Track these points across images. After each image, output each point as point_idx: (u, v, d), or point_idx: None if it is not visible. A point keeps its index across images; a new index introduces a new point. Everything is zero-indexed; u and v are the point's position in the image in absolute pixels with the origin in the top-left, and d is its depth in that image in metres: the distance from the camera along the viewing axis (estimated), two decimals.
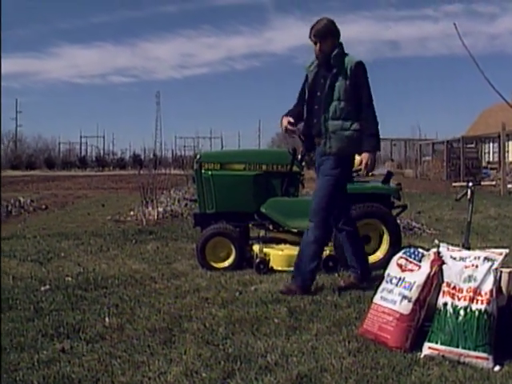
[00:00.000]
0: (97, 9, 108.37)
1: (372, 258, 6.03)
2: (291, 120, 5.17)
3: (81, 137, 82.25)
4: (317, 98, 5.11)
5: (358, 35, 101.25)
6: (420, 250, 3.82)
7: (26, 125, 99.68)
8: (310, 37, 5.08)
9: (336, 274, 5.64)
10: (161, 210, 11.37)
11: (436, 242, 3.86)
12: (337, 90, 4.98)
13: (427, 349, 3.43)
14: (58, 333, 3.82)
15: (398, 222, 6.53)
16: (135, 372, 3.17)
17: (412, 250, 3.83)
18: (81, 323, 4.04)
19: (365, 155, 5.04)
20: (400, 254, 3.88)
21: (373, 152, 5.06)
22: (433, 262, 3.67)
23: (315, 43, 5.05)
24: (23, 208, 13.65)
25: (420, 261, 3.73)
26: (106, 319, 4.12)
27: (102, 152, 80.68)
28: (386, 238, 6.08)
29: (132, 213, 11.53)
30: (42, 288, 5.06)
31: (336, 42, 5.08)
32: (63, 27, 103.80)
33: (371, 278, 5.45)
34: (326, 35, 5.03)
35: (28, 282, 5.31)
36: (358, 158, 5.11)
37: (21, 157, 70.95)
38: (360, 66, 5.02)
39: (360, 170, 6.31)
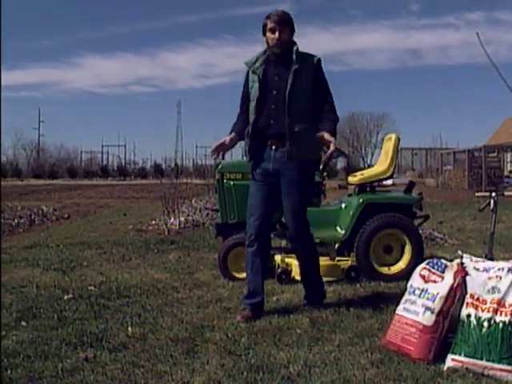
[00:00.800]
0: (118, 19, 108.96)
1: (394, 269, 6.02)
2: (231, 137, 4.76)
3: (102, 146, 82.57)
4: (272, 97, 4.60)
5: (379, 44, 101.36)
6: (443, 261, 3.80)
7: (49, 134, 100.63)
8: (265, 25, 4.65)
9: (358, 285, 5.62)
10: (182, 219, 11.41)
11: (459, 252, 3.84)
12: (301, 89, 4.56)
13: (451, 361, 3.40)
14: (82, 342, 3.85)
15: (420, 232, 6.48)
16: (158, 382, 3.18)
17: (435, 261, 3.81)
18: (104, 332, 4.06)
19: (327, 134, 4.53)
20: (423, 264, 3.85)
21: (333, 134, 4.57)
22: (456, 273, 3.65)
23: (273, 31, 4.59)
24: (46, 217, 13.75)
25: (443, 272, 3.71)
26: (129, 328, 4.14)
27: (123, 161, 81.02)
28: (408, 249, 6.04)
29: (154, 222, 11.57)
30: (66, 297, 5.10)
31: (292, 36, 4.72)
32: (85, 37, 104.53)
33: (394, 288, 5.44)
34: (286, 24, 4.65)
35: (51, 291, 5.35)
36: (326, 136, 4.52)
37: (43, 166, 71.47)
38: (321, 63, 4.73)
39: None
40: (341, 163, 55.02)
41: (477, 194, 6.43)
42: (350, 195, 6.56)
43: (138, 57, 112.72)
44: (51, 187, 35.31)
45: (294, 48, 4.64)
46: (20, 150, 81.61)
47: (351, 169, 39.34)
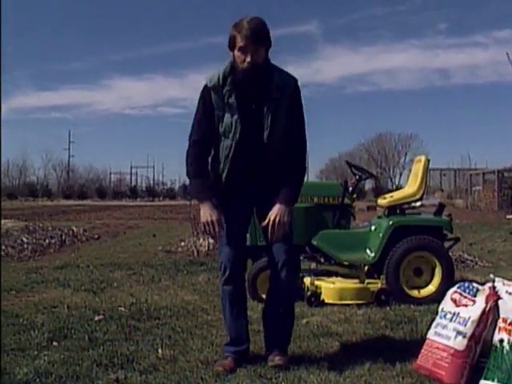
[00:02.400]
0: (147, 41, 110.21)
1: (424, 292, 5.98)
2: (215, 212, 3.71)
3: (131, 167, 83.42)
4: (252, 136, 3.69)
5: (406, 64, 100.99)
6: (475, 285, 3.76)
7: (78, 155, 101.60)
8: (234, 38, 3.62)
9: (388, 308, 5.59)
10: (211, 241, 11.43)
11: (491, 276, 3.80)
12: (281, 123, 3.70)
13: None
14: (112, 363, 3.86)
15: (450, 254, 6.43)
16: None
17: (466, 285, 3.77)
18: (134, 354, 4.07)
19: (278, 209, 3.68)
20: (454, 288, 3.82)
21: (290, 205, 3.75)
22: (488, 297, 3.61)
23: (245, 51, 3.58)
24: (76, 237, 13.89)
25: (475, 295, 3.67)
26: (159, 350, 4.15)
27: (151, 182, 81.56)
28: (438, 271, 6.00)
29: (183, 243, 11.62)
30: (96, 318, 5.13)
31: (268, 52, 3.73)
32: (115, 59, 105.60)
33: (424, 311, 5.39)
34: (263, 42, 3.64)
35: (82, 312, 5.39)
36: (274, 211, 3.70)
37: (73, 186, 72.29)
38: (299, 87, 3.83)
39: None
40: (369, 184, 54.86)
41: (508, 217, 6.36)
42: (379, 217, 6.54)
43: (168, 78, 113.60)
44: (81, 208, 35.66)
45: (275, 67, 3.76)
46: (50, 171, 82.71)
47: (379, 190, 39.23)
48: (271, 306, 3.95)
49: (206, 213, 3.69)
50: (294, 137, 3.78)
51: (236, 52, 3.63)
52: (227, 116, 3.69)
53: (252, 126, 3.69)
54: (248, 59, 3.57)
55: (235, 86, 3.68)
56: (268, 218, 3.67)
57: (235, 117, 3.67)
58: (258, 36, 3.59)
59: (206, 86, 3.74)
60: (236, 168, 3.75)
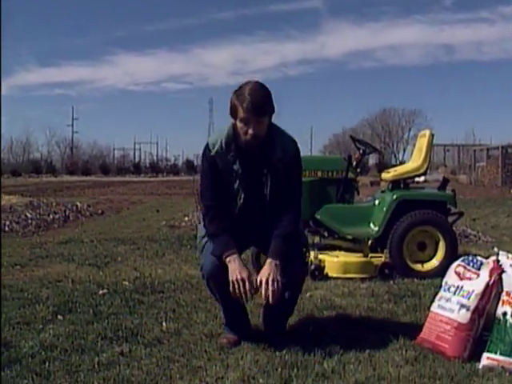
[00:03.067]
0: (151, 17, 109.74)
1: (428, 266, 5.99)
2: (248, 275, 3.50)
3: (135, 143, 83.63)
4: (251, 196, 3.68)
5: (412, 39, 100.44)
6: (479, 258, 3.75)
7: (82, 131, 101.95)
8: (235, 109, 3.53)
9: (391, 282, 5.60)
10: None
11: (495, 249, 3.80)
12: (279, 179, 3.64)
13: (486, 359, 3.36)
14: (117, 336, 3.88)
15: (454, 229, 6.42)
16: (193, 377, 3.19)
17: (470, 258, 3.77)
18: (139, 327, 4.09)
19: (270, 267, 3.50)
20: (458, 261, 3.82)
21: (281, 259, 3.54)
22: (492, 270, 3.60)
23: (247, 123, 3.49)
24: (80, 213, 13.92)
25: (479, 269, 3.66)
26: (164, 324, 4.17)
27: (155, 158, 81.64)
28: (441, 246, 6.00)
29: (186, 218, 11.64)
30: (101, 292, 5.15)
31: (271, 120, 3.63)
32: (118, 35, 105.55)
33: (427, 285, 5.40)
34: (265, 113, 3.54)
35: (87, 286, 5.41)
36: None
37: (77, 163, 72.43)
38: (299, 154, 3.78)
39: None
40: (373, 160, 54.79)
41: None
42: (383, 192, 6.53)
43: (172, 54, 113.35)
44: (85, 184, 35.70)
45: (277, 137, 3.67)
46: (54, 147, 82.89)
47: (383, 165, 39.14)
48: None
49: (236, 270, 3.46)
50: (291, 190, 3.71)
51: (238, 123, 3.55)
52: (234, 182, 3.66)
53: (254, 190, 3.66)
54: (250, 131, 3.49)
55: (239, 153, 3.62)
56: (260, 278, 3.48)
57: (241, 184, 3.65)
58: (261, 108, 3.49)
59: (209, 153, 3.66)
60: (238, 219, 3.71)
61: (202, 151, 3.76)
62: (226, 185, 3.67)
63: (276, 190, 3.65)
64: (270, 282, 3.44)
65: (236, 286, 3.45)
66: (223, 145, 3.62)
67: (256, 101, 3.45)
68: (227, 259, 3.49)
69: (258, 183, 3.66)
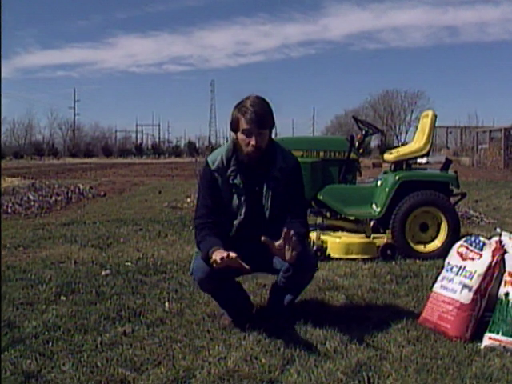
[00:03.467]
0: None
1: (430, 247, 6.00)
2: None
3: (137, 125, 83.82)
4: (252, 210, 3.65)
5: (415, 21, 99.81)
6: (481, 239, 3.75)
7: (84, 114, 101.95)
8: (237, 121, 3.55)
9: (393, 263, 5.61)
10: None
11: (498, 230, 3.80)
12: (279, 193, 3.64)
13: (488, 339, 3.37)
14: (120, 316, 3.90)
15: (456, 210, 6.42)
16: (195, 356, 3.20)
17: (473, 239, 3.77)
18: (141, 307, 4.11)
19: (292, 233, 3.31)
20: (461, 242, 3.82)
21: (302, 241, 3.53)
22: (494, 250, 3.60)
23: (249, 135, 3.51)
24: (82, 194, 13.93)
25: (481, 249, 3.66)
26: (166, 304, 4.19)
27: (157, 140, 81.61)
28: (444, 227, 6.00)
29: (189, 200, 11.64)
30: (103, 272, 5.17)
31: (271, 133, 3.67)
32: (120, 17, 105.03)
33: (429, 266, 5.41)
34: (267, 125, 3.57)
35: (89, 267, 5.42)
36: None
37: (79, 145, 72.48)
38: (299, 164, 3.79)
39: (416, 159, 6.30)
40: (374, 141, 54.65)
41: None
42: (385, 172, 6.52)
43: (173, 36, 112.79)
44: (87, 166, 35.72)
45: (276, 150, 3.69)
46: (56, 130, 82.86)
47: (385, 147, 39.09)
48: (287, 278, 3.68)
49: (221, 252, 3.27)
50: (296, 200, 3.70)
51: (240, 135, 3.56)
52: (234, 198, 3.64)
53: (255, 204, 3.64)
54: (252, 142, 3.51)
55: (239, 167, 3.62)
56: (281, 240, 3.31)
57: (242, 198, 3.63)
58: (263, 120, 3.52)
59: (209, 168, 3.66)
60: (239, 236, 3.67)
61: (201, 169, 3.77)
62: (224, 202, 3.64)
63: (276, 203, 3.64)
64: (292, 243, 3.31)
65: (223, 261, 3.22)
66: (224, 160, 3.63)
67: (258, 112, 3.49)
68: (212, 254, 3.32)
69: (259, 197, 3.65)
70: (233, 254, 3.21)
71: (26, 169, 29.53)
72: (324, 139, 8.75)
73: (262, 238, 3.29)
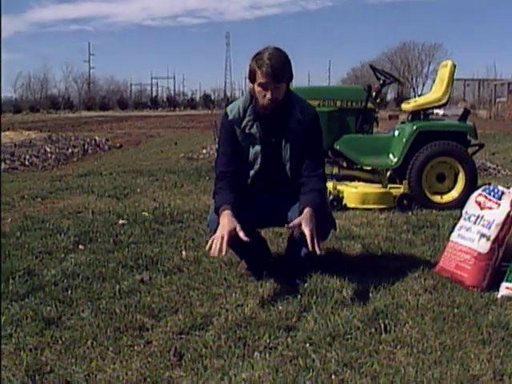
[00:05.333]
0: None
1: (447, 197, 5.97)
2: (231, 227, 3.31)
3: (152, 78, 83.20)
4: (269, 161, 3.64)
5: None
6: (500, 188, 3.71)
7: (99, 67, 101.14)
8: (254, 72, 3.48)
9: (410, 213, 5.59)
10: None
11: None
12: (298, 146, 3.60)
13: (504, 289, 3.36)
14: (137, 264, 3.92)
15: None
16: (213, 304, 3.23)
17: (491, 188, 3.73)
18: (159, 256, 4.13)
19: (310, 222, 3.36)
20: (479, 191, 3.78)
21: (315, 212, 3.44)
22: None
23: (266, 88, 3.46)
24: (99, 146, 13.98)
25: (500, 199, 3.62)
26: (183, 252, 4.21)
27: (172, 93, 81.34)
28: (461, 177, 5.96)
29: (204, 151, 11.65)
30: (120, 222, 5.20)
31: (289, 86, 3.63)
32: None
33: (446, 216, 5.39)
34: (283, 78, 3.50)
35: (106, 217, 5.45)
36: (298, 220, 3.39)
37: (94, 98, 72.43)
38: (317, 115, 3.73)
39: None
40: (391, 94, 54.13)
41: None
42: (403, 123, 6.47)
43: None
44: (102, 118, 35.71)
45: (293, 101, 3.63)
46: (71, 83, 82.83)
47: (402, 99, 38.71)
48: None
49: (221, 227, 3.33)
50: (314, 152, 3.66)
51: (256, 87, 3.51)
52: (250, 148, 3.64)
53: (272, 157, 3.63)
54: (268, 96, 3.47)
55: (256, 118, 3.60)
56: (302, 228, 3.34)
57: (257, 147, 3.62)
58: (280, 74, 3.46)
59: (227, 118, 3.66)
60: (256, 187, 3.70)
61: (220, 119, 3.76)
62: (243, 152, 3.65)
63: (295, 155, 3.61)
64: (313, 236, 3.32)
65: (213, 242, 3.28)
66: (240, 110, 3.62)
67: (275, 66, 3.42)
68: (221, 214, 3.41)
69: (277, 148, 3.63)
70: (227, 235, 3.25)
71: (42, 122, 29.57)
72: (341, 88, 8.67)
73: (286, 226, 3.43)
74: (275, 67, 3.42)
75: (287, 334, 2.84)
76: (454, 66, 6.17)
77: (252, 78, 3.53)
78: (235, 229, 3.30)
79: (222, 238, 3.26)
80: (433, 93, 6.36)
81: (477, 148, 6.46)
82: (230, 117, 3.63)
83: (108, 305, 3.21)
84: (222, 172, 3.63)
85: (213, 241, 3.29)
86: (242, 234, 3.29)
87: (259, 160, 3.64)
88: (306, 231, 3.32)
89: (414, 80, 76.69)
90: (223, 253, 3.28)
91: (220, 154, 3.71)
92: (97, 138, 15.74)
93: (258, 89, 3.50)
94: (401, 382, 2.37)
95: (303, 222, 3.36)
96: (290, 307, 3.15)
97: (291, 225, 3.42)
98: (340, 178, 6.07)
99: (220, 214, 3.42)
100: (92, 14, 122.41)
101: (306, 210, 3.41)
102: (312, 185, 3.54)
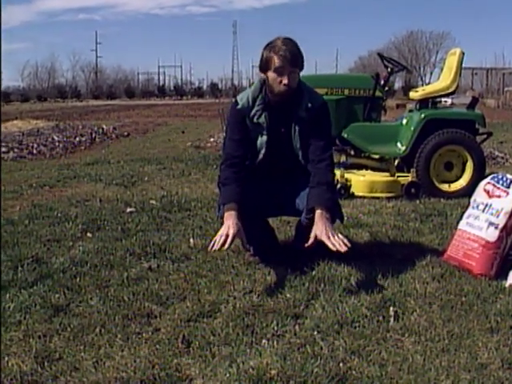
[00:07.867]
0: None
1: (454, 186, 5.96)
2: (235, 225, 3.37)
3: (159, 67, 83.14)
4: (276, 150, 3.65)
5: None
6: (508, 176, 3.69)
7: (106, 56, 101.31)
8: (269, 60, 3.47)
9: (417, 201, 5.58)
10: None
11: None
12: (307, 135, 3.60)
13: None
14: (145, 252, 3.93)
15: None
16: (221, 291, 3.23)
17: (500, 176, 3.71)
18: (166, 243, 4.13)
19: (324, 225, 3.38)
20: (487, 179, 3.77)
21: (326, 209, 3.44)
22: None
23: (282, 73, 3.44)
24: (106, 135, 13.99)
25: (508, 187, 3.61)
26: (191, 240, 4.22)
27: (179, 81, 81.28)
28: (469, 166, 5.94)
29: (212, 139, 11.66)
30: (128, 210, 5.20)
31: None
32: None
33: (454, 204, 5.37)
34: (299, 63, 3.52)
35: (114, 205, 5.46)
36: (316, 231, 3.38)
37: (102, 87, 72.43)
38: (326, 104, 3.73)
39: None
40: (399, 83, 53.90)
41: None
42: (411, 111, 6.44)
43: None
44: (110, 107, 35.73)
45: (304, 90, 3.64)
46: (79, 72, 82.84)
47: (410, 88, 38.56)
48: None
49: (225, 228, 3.36)
50: (322, 141, 3.62)
51: (271, 74, 3.49)
52: (258, 137, 3.64)
53: (280, 146, 3.63)
54: (285, 81, 3.45)
55: (264, 107, 3.60)
56: (319, 236, 3.34)
57: (264, 137, 3.62)
58: (296, 58, 3.48)
59: (236, 106, 3.66)
60: (263, 175, 3.72)
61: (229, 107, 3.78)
62: (251, 139, 3.65)
63: (306, 143, 3.61)
64: (335, 238, 3.32)
65: (217, 239, 3.31)
66: (250, 99, 3.62)
67: (291, 50, 3.45)
68: (225, 213, 3.45)
69: (286, 137, 3.63)
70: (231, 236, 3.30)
71: (49, 111, 29.58)
72: (349, 77, 8.63)
73: (306, 245, 3.37)
74: (291, 51, 3.45)
75: (295, 322, 2.84)
76: (463, 54, 6.14)
77: (266, 66, 3.52)
78: (238, 231, 3.34)
79: (227, 235, 3.30)
80: (441, 81, 6.33)
81: (485, 136, 6.43)
82: (240, 105, 3.63)
83: (116, 292, 3.21)
84: (230, 156, 3.64)
85: (217, 238, 3.31)
86: (244, 241, 3.44)
87: (264, 150, 3.65)
88: (325, 240, 3.32)
89: (422, 69, 76.35)
90: (226, 247, 3.29)
91: (228, 139, 3.72)
92: (104, 126, 15.75)
93: (273, 76, 3.49)
94: (408, 369, 2.37)
95: (318, 232, 3.36)
96: (298, 295, 3.15)
97: (310, 243, 3.37)
98: (347, 166, 6.07)
99: (225, 211, 3.45)
100: (100, 4, 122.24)
101: (318, 214, 3.41)
102: (320, 177, 3.53)
